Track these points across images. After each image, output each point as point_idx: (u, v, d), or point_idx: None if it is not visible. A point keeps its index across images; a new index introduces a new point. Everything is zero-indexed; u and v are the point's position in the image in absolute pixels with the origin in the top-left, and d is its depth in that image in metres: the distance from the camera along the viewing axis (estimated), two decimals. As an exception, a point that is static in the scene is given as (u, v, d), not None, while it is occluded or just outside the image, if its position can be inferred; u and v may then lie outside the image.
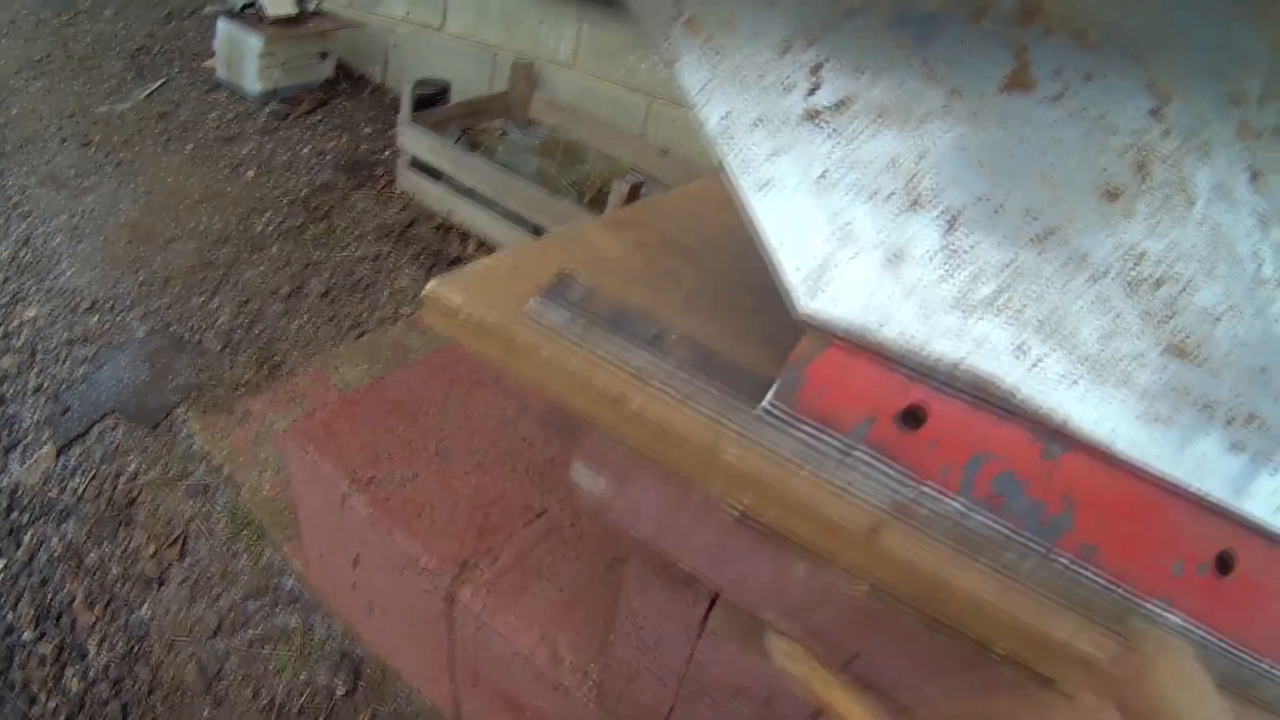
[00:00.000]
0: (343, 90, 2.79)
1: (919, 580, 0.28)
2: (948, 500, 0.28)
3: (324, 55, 2.76)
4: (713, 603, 0.40)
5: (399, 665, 0.99)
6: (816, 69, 0.32)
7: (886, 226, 0.32)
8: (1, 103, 2.51)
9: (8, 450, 1.41)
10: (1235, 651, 0.27)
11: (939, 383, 0.31)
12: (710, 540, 0.36)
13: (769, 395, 0.32)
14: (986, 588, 0.27)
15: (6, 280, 1.79)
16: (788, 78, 0.32)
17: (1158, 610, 0.27)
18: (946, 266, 0.31)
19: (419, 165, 2.16)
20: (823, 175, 0.33)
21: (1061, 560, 0.27)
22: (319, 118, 2.63)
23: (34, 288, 1.78)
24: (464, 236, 2.07)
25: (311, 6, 2.69)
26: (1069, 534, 0.28)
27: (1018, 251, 0.31)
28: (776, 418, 0.31)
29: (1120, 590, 0.27)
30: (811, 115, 0.33)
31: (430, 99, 2.29)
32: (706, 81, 0.34)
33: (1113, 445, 0.29)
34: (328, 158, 2.40)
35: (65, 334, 1.66)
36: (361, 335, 1.68)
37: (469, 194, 2.07)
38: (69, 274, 1.83)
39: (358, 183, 2.29)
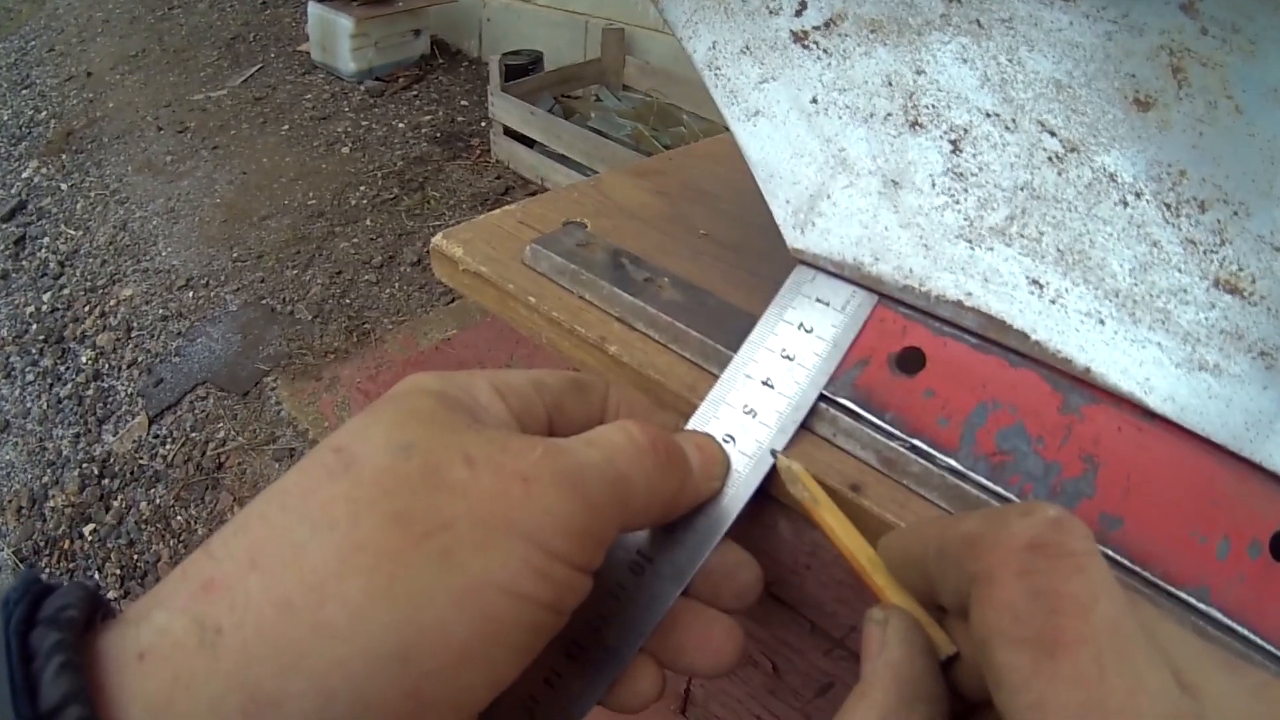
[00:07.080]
0: (439, 66, 2.74)
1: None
2: (942, 456, 0.25)
3: (417, 33, 2.74)
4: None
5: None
6: (805, -17, 0.29)
7: (884, 151, 0.29)
8: (98, 97, 2.52)
9: (102, 421, 1.45)
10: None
11: (942, 323, 0.28)
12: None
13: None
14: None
15: (104, 263, 1.81)
16: (775, -3, 0.30)
17: (1192, 600, 0.23)
18: (951, 192, 0.28)
19: (512, 134, 2.19)
20: (813, 100, 0.30)
21: (1076, 531, 0.24)
22: (415, 93, 2.61)
23: (131, 268, 1.80)
24: (556, 202, 2.10)
25: (401, -16, 2.65)
26: (1088, 502, 0.24)
27: (1034, 172, 0.27)
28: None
29: (1148, 573, 0.23)
30: (799, 37, 0.30)
31: (523, 69, 2.30)
32: (692, 12, 0.32)
33: (1146, 398, 0.25)
34: (423, 131, 2.39)
35: (160, 310, 1.68)
36: (453, 301, 1.72)
37: (562, 159, 2.08)
38: (165, 254, 1.84)
39: (453, 154, 2.29)
